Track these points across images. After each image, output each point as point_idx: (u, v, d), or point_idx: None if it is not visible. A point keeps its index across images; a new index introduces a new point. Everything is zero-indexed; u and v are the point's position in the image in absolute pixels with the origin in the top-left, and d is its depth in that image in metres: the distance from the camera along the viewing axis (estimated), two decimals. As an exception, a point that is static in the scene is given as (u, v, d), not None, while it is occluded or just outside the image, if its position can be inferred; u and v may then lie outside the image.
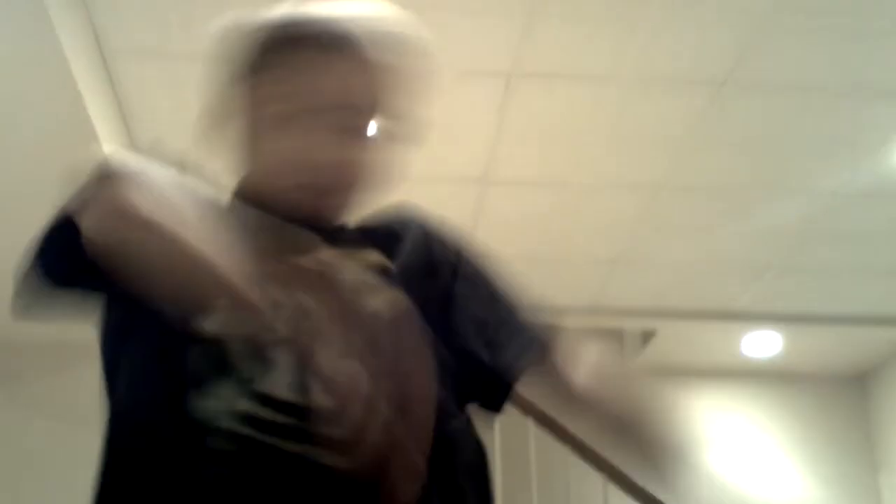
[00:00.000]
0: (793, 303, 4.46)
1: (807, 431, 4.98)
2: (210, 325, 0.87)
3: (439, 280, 1.05)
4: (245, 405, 0.86)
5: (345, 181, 1.01)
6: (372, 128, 1.00)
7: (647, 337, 4.83)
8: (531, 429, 3.77)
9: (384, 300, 0.96)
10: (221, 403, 0.86)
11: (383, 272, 0.99)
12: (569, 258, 4.14)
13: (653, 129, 3.31)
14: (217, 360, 0.88)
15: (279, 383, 0.88)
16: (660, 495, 3.89)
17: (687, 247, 4.03)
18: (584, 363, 1.08)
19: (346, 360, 0.90)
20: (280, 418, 0.86)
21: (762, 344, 4.82)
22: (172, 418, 0.87)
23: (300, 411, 0.87)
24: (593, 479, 3.79)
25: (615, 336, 5.04)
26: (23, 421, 3.99)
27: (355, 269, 0.98)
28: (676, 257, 4.11)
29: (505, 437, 3.73)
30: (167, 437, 0.87)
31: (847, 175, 3.54)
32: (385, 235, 1.06)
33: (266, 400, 0.87)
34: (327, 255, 0.97)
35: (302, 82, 0.99)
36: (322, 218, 1.02)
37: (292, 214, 0.98)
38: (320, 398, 0.87)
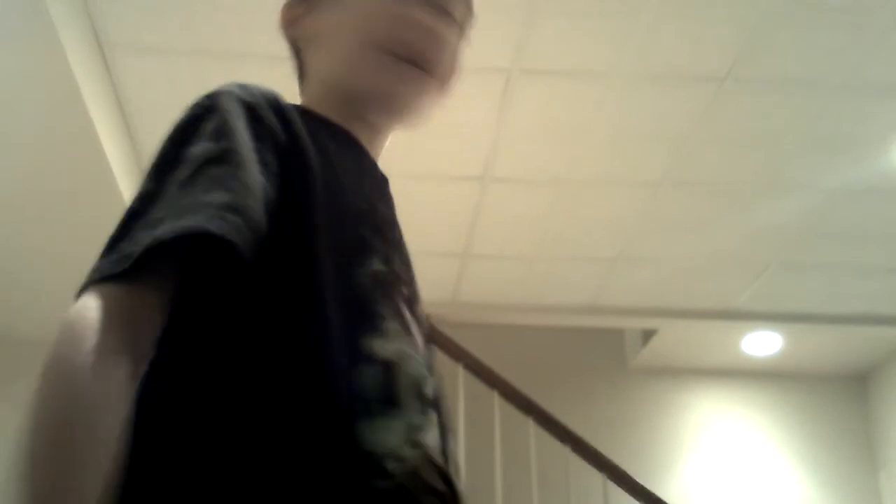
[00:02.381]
0: (793, 302, 4.46)
1: (806, 431, 4.97)
2: (384, 348, 0.78)
3: None
4: (410, 453, 0.76)
5: (433, 55, 0.97)
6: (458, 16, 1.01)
7: (647, 336, 4.82)
8: (532, 428, 3.77)
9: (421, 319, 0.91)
10: (393, 441, 0.75)
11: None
12: (569, 256, 4.13)
13: (653, 126, 3.30)
14: (387, 390, 0.77)
15: (433, 441, 0.79)
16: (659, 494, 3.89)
17: (687, 245, 4.02)
18: None
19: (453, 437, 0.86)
20: (439, 484, 0.77)
21: (762, 343, 4.81)
22: (336, 443, 0.73)
23: (449, 483, 0.79)
24: (593, 478, 3.79)
25: (615, 335, 5.04)
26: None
27: (409, 273, 0.93)
28: (676, 255, 4.11)
29: (506, 436, 3.73)
30: (324, 463, 0.72)
31: (848, 172, 3.53)
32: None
33: (429, 456, 0.78)
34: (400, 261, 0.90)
35: None
36: (377, 137, 0.99)
37: (360, 124, 0.96)
38: (458, 481, 0.80)
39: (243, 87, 0.83)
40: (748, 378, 5.03)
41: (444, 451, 0.81)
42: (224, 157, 0.74)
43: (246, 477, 0.70)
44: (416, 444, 0.77)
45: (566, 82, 3.09)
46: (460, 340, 3.81)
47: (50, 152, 3.04)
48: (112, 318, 0.68)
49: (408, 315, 0.85)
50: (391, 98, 0.97)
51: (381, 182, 0.98)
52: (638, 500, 3.78)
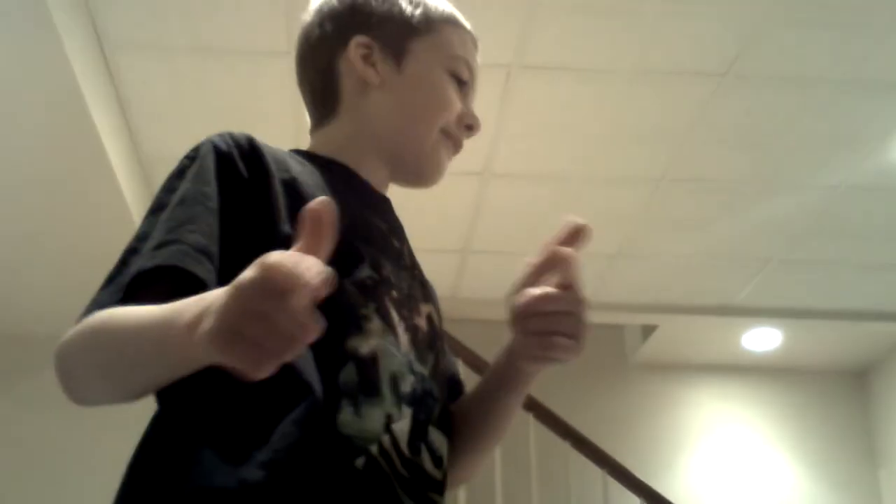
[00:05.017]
0: (793, 298, 4.46)
1: (806, 427, 4.98)
2: (365, 345, 0.91)
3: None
4: (387, 440, 0.89)
5: (459, 145, 1.17)
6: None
7: (647, 332, 4.82)
8: (532, 424, 3.77)
9: (425, 317, 1.04)
10: (373, 428, 0.88)
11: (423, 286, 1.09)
12: (569, 253, 4.13)
13: (653, 123, 3.31)
14: (367, 383, 0.89)
15: (403, 433, 0.92)
16: (659, 489, 3.89)
17: (687, 241, 4.02)
18: None
19: (438, 431, 0.97)
20: (402, 470, 0.90)
21: (762, 339, 4.82)
22: (321, 429, 0.86)
23: (417, 468, 0.92)
24: (593, 474, 3.80)
25: (615, 331, 5.04)
26: (27, 415, 3.99)
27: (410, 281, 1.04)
28: (676, 252, 4.11)
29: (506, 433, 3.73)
30: (313, 445, 0.85)
31: (848, 169, 3.53)
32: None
33: (397, 444, 0.90)
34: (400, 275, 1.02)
35: (465, 52, 1.16)
36: (384, 182, 1.12)
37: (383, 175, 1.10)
38: (430, 466, 0.94)
39: (223, 136, 0.96)
40: (748, 374, 5.04)
41: (415, 444, 0.92)
42: (190, 200, 0.90)
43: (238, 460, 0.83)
44: (390, 432, 0.90)
45: (567, 78, 3.09)
46: (460, 336, 3.81)
47: (51, 150, 3.04)
48: None
49: (395, 316, 0.96)
50: (430, 172, 1.13)
51: (380, 202, 1.09)
52: (638, 495, 3.79)
